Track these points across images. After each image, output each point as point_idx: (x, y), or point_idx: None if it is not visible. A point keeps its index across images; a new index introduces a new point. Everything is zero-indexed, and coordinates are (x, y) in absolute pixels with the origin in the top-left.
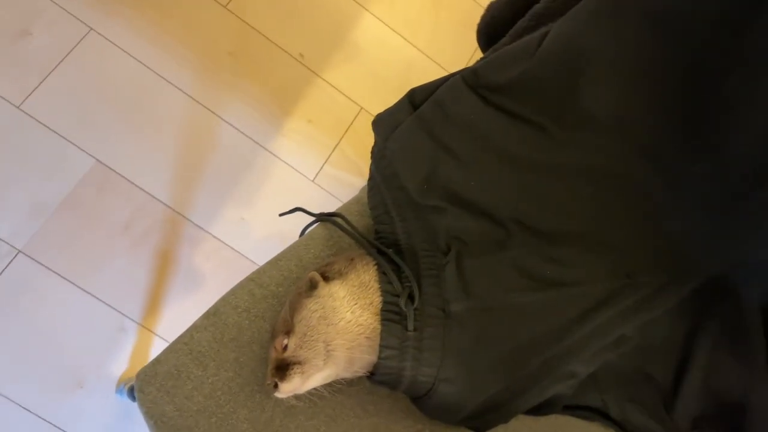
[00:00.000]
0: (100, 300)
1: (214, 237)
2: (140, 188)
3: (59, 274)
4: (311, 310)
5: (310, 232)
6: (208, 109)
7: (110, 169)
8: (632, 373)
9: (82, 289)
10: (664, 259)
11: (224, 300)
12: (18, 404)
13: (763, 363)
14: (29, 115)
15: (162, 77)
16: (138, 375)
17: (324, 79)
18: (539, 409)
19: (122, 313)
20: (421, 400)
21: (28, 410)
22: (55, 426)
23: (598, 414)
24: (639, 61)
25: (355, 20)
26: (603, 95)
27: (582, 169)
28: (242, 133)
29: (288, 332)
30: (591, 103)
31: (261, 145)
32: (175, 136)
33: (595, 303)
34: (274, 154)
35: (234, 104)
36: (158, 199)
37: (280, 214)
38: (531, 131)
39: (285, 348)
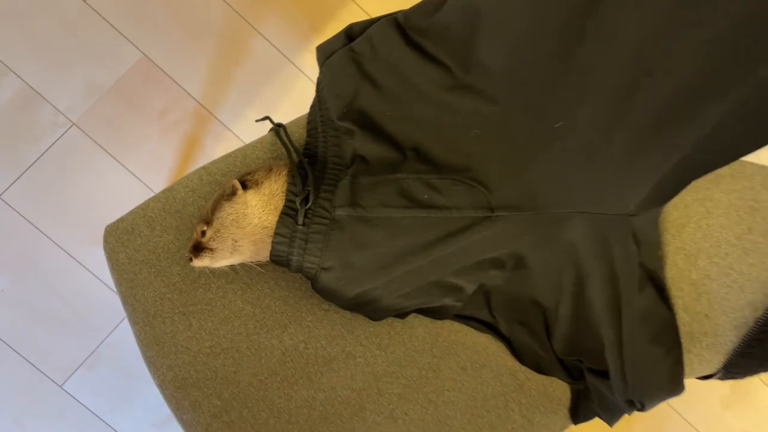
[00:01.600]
0: (131, 172)
1: (236, 135)
2: (177, 83)
3: (102, 146)
4: (227, 212)
5: (263, 136)
6: (247, 21)
7: (154, 63)
8: (521, 298)
9: (118, 161)
10: (523, 200)
11: (180, 180)
12: (56, 243)
13: (601, 308)
14: (93, 9)
15: None
16: (105, 228)
17: (357, 4)
18: (432, 314)
19: (147, 186)
20: (312, 284)
21: (65, 251)
22: (86, 269)
23: (490, 328)
24: (521, 22)
25: None
26: (494, 49)
27: (474, 112)
28: (273, 45)
29: (208, 223)
30: (485, 54)
31: (289, 59)
32: (215, 41)
33: (458, 228)
34: (299, 69)
35: (270, 19)
36: (191, 95)
37: (256, 120)
38: (440, 72)
39: (203, 234)
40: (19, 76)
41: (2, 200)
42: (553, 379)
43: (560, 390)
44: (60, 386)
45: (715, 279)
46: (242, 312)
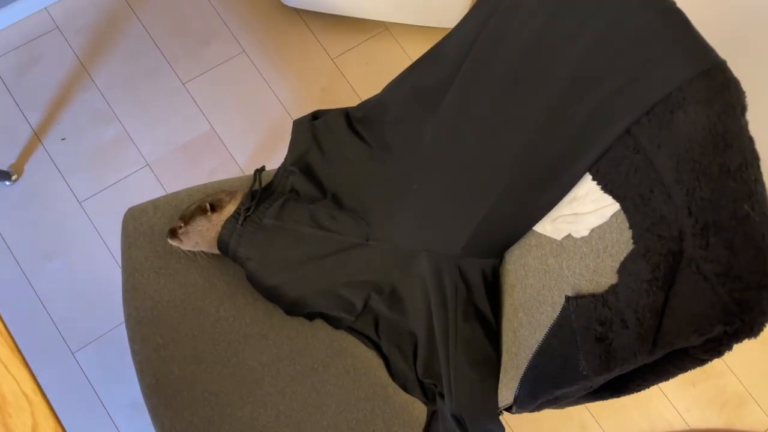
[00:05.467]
0: None
1: None
2: (229, 152)
3: (162, 185)
4: (197, 224)
5: (249, 174)
6: (292, 119)
7: (216, 134)
8: (399, 327)
9: None
10: (389, 235)
11: (186, 189)
12: (109, 251)
13: (438, 331)
14: (186, 87)
15: (273, 92)
16: (128, 208)
17: None
18: (332, 322)
19: None
20: (244, 272)
21: (113, 256)
22: None
23: (375, 345)
24: (402, 118)
25: None
26: (391, 134)
27: (375, 173)
28: None
29: (185, 223)
30: (387, 136)
31: None
32: (265, 129)
33: (343, 248)
34: None
35: None
36: (237, 162)
37: (255, 170)
38: (364, 147)
39: (180, 227)
40: (121, 123)
41: (81, 206)
42: (416, 400)
43: (419, 410)
44: (72, 353)
45: (525, 326)
46: (196, 283)
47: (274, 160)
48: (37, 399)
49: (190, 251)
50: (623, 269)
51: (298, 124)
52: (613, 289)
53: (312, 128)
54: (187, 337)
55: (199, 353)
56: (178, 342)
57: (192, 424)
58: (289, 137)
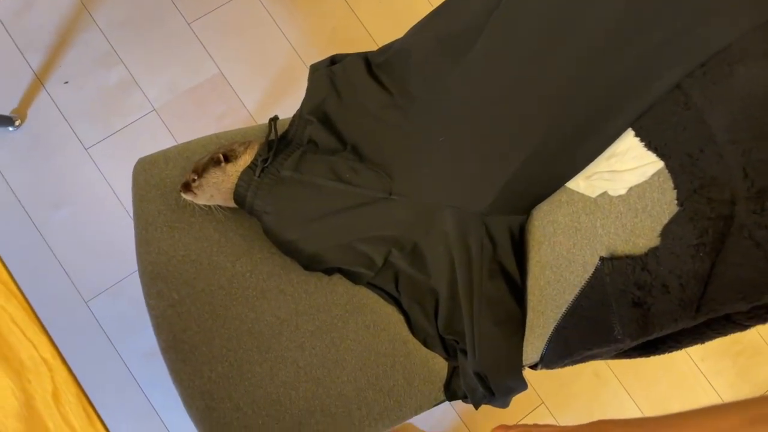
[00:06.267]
0: None
1: None
2: (238, 96)
3: (170, 131)
4: (212, 176)
5: (262, 123)
6: (303, 61)
7: (225, 78)
8: (420, 283)
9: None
10: (412, 190)
11: (197, 139)
12: (116, 196)
13: (462, 288)
14: (192, 30)
15: (282, 32)
16: (138, 159)
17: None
18: (351, 277)
19: None
20: (261, 226)
21: (121, 202)
22: None
23: (395, 301)
24: (427, 66)
25: None
26: (416, 83)
27: (396, 124)
28: None
29: (198, 176)
30: (411, 85)
31: None
32: (275, 72)
33: (364, 202)
34: None
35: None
36: (246, 107)
37: (270, 119)
38: (384, 95)
39: (193, 180)
40: (126, 66)
41: (87, 152)
42: (436, 356)
43: (439, 366)
44: (85, 302)
45: (552, 284)
46: (211, 237)
47: (284, 105)
48: (57, 364)
49: (205, 205)
50: (667, 232)
51: (314, 69)
52: (653, 252)
53: (330, 74)
54: (204, 293)
55: (216, 309)
56: (195, 298)
57: (211, 380)
58: (300, 80)
